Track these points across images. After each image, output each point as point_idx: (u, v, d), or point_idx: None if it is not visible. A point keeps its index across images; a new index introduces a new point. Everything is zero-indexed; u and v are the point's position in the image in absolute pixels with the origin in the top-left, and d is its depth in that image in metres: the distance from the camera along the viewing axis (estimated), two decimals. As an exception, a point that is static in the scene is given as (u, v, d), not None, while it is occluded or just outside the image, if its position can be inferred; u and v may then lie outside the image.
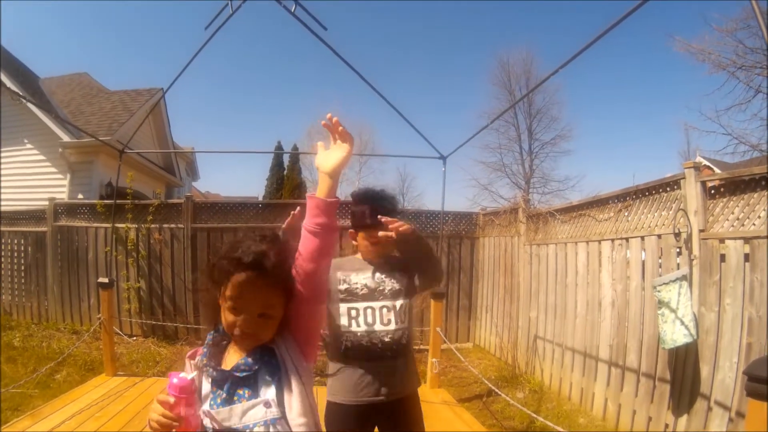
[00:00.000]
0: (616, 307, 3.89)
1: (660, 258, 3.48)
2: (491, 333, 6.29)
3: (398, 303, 1.99)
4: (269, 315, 1.14)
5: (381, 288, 1.99)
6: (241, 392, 1.12)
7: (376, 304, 1.96)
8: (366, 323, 1.95)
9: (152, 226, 6.77)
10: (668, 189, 3.42)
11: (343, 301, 1.97)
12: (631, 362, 3.64)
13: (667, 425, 3.19)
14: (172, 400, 1.04)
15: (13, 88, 8.88)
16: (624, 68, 37.91)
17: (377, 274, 2.01)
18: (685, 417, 3.05)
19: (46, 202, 7.19)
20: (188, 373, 1.13)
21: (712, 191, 3.06)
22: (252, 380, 1.13)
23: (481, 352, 6.38)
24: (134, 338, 6.67)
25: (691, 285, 3.13)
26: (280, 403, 1.11)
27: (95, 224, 6.96)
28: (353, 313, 1.95)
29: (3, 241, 7.45)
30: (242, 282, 1.10)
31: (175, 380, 1.05)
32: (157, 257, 6.75)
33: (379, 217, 1.89)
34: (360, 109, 42.98)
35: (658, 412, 3.28)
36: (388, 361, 1.95)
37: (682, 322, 3.01)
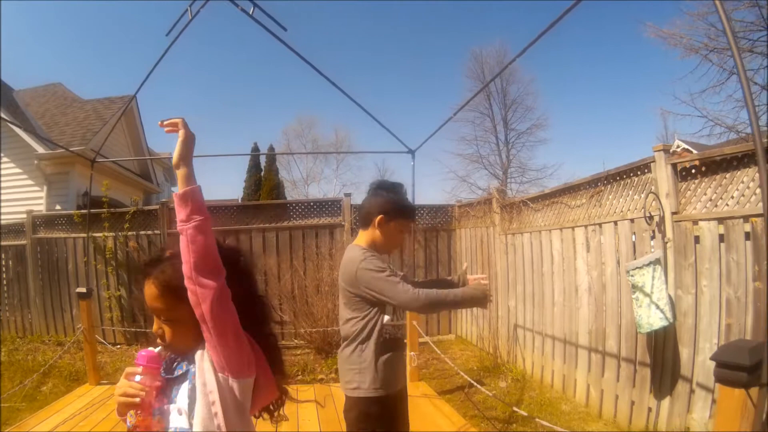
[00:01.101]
0: (593, 293, 3.89)
1: (634, 242, 3.48)
2: (472, 324, 6.28)
3: None
4: (170, 318, 1.13)
5: None
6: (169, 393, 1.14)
7: None
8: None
9: (129, 233, 6.74)
10: (639, 173, 3.41)
11: None
12: (610, 347, 3.64)
13: (650, 409, 3.20)
14: (140, 369, 1.10)
15: None
16: (597, 58, 38.89)
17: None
18: (667, 400, 3.05)
19: (24, 215, 7.20)
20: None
21: (684, 173, 3.06)
22: (175, 384, 1.13)
23: (463, 344, 6.36)
24: (118, 346, 6.65)
25: (666, 268, 3.13)
26: (190, 413, 1.07)
27: (73, 234, 6.96)
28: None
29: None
30: (142, 288, 1.15)
31: (143, 352, 1.13)
32: (135, 265, 6.62)
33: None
34: (335, 109, 42.75)
35: (641, 396, 3.29)
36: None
37: (657, 306, 3.01)
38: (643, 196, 3.32)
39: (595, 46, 37.34)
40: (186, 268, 1.04)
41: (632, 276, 3.19)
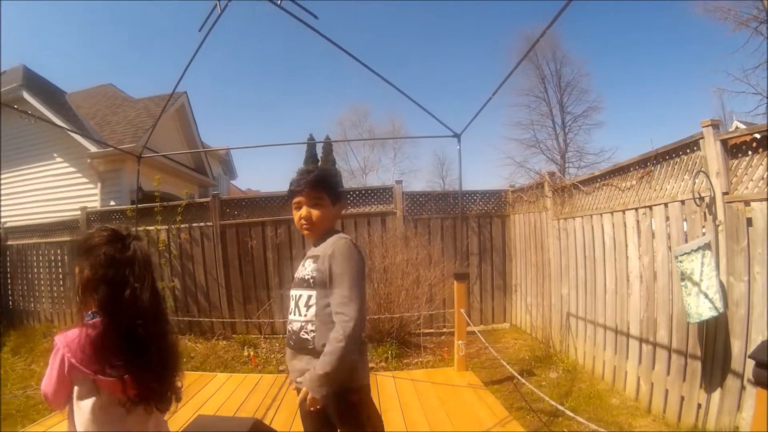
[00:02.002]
0: (644, 280, 3.65)
1: (685, 226, 3.22)
2: (526, 312, 6.11)
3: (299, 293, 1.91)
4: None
5: (296, 277, 1.96)
6: None
7: (290, 293, 1.97)
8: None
9: (182, 226, 6.86)
10: (688, 151, 3.14)
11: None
12: (661, 338, 3.42)
13: (699, 405, 2.97)
14: None
15: (37, 106, 9.38)
16: (646, 41, 36.35)
17: (303, 262, 1.97)
18: (717, 396, 2.82)
19: (79, 212, 7.50)
20: None
21: (734, 150, 2.77)
22: None
23: (517, 332, 6.21)
24: None
25: (717, 253, 2.87)
26: None
27: None
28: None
29: (40, 252, 7.90)
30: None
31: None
32: (188, 256, 6.85)
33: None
34: (388, 100, 43.11)
35: (690, 391, 3.07)
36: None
37: (706, 295, 2.78)
38: (692, 175, 3.06)
39: (642, 30, 34.68)
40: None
41: (681, 262, 2.97)
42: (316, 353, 1.77)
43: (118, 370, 1.28)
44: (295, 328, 1.86)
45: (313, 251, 1.94)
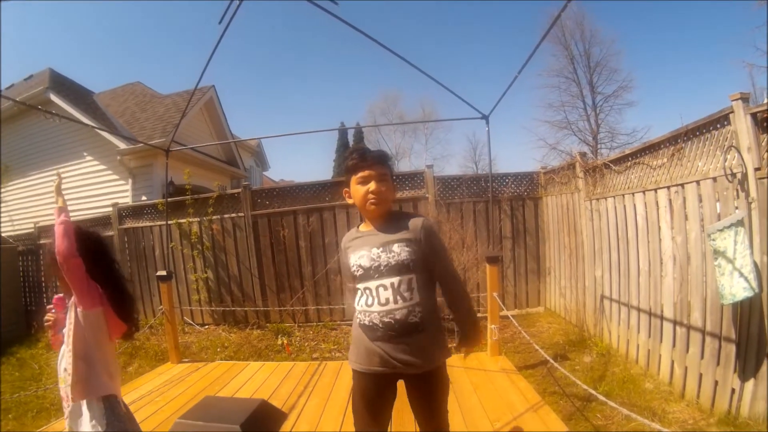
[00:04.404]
0: (678, 260, 3.52)
1: (718, 207, 3.07)
2: (560, 296, 6.00)
3: (397, 279, 1.80)
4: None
5: (377, 265, 1.82)
6: None
7: (372, 284, 1.82)
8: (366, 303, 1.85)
9: (213, 217, 6.94)
10: (718, 126, 2.98)
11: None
12: (695, 321, 3.30)
13: (733, 390, 2.86)
14: (52, 306, 2.07)
15: (64, 106, 9.66)
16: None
17: (373, 249, 1.83)
18: (752, 382, 2.71)
19: (110, 208, 7.72)
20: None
21: (766, 124, 2.62)
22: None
23: (552, 316, 6.11)
24: (206, 327, 6.95)
25: (750, 231, 2.74)
26: (66, 333, 1.94)
27: (158, 223, 7.28)
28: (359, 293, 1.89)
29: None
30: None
31: (57, 296, 2.09)
32: (221, 247, 6.95)
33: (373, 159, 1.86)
34: (417, 85, 42.85)
35: (725, 375, 2.95)
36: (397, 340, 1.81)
37: (741, 274, 2.66)
38: (723, 151, 2.91)
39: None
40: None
41: (714, 240, 2.85)
42: (427, 332, 1.80)
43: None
44: (400, 316, 1.77)
45: (398, 235, 1.82)
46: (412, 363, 1.78)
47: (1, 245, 8.39)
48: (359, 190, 1.85)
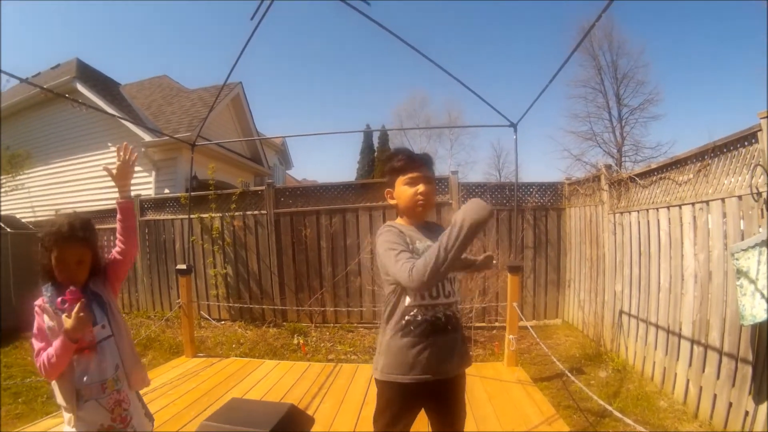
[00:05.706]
0: (699, 278, 3.46)
1: (742, 224, 3.02)
2: (579, 308, 5.93)
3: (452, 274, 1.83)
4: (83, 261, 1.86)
5: None
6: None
7: None
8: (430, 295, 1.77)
9: (236, 213, 6.94)
10: (746, 143, 2.94)
11: None
12: (713, 340, 3.24)
13: (747, 413, 2.81)
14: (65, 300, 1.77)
15: (91, 96, 9.78)
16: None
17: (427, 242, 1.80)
18: (765, 404, 2.66)
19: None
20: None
21: (794, 142, 2.58)
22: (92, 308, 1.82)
23: (569, 329, 6.04)
24: (222, 322, 6.95)
25: (773, 253, 2.68)
26: (111, 324, 1.86)
27: (180, 216, 7.27)
28: None
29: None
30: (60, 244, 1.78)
31: (71, 289, 1.78)
32: (241, 244, 6.96)
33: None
34: (445, 92, 42.69)
35: (739, 397, 2.90)
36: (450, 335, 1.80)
37: (763, 295, 2.61)
38: (750, 169, 2.87)
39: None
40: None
41: (737, 259, 2.80)
42: (462, 331, 1.86)
43: None
44: (455, 310, 1.82)
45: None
46: (454, 365, 1.79)
47: (20, 231, 8.30)
48: (406, 191, 1.82)
